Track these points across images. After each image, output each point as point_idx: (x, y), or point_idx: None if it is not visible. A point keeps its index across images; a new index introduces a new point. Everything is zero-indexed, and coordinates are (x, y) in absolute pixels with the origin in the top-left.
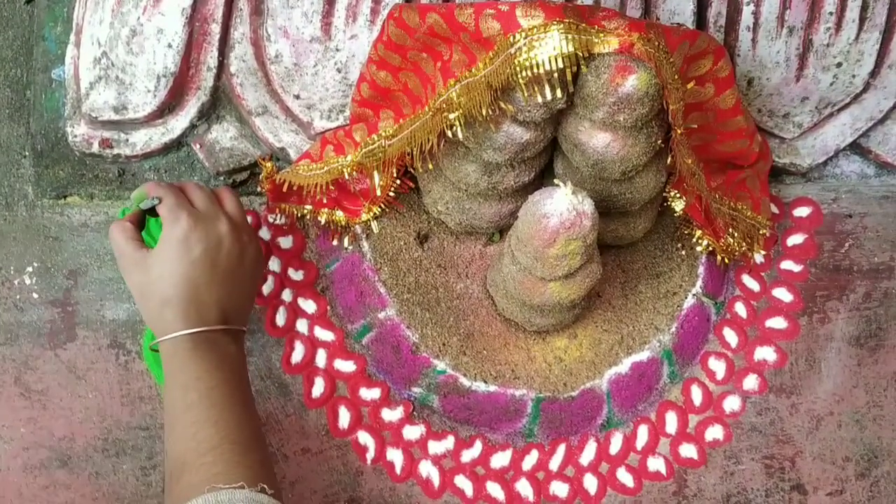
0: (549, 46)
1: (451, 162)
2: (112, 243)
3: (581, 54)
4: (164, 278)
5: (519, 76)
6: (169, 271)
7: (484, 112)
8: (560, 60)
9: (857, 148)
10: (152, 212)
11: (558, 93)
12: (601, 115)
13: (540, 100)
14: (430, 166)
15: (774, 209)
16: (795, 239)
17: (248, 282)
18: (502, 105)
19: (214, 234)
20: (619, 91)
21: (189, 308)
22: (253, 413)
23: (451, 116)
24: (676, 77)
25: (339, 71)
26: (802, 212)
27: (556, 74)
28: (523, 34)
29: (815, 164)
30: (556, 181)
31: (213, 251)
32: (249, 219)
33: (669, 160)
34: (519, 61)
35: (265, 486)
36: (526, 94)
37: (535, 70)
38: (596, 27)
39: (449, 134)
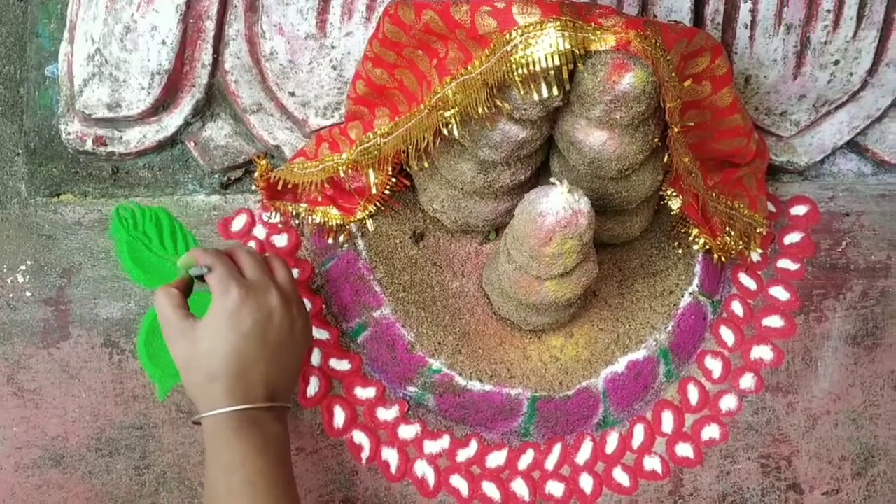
0: (545, 44)
1: (446, 160)
2: (157, 310)
3: (577, 52)
4: (212, 352)
5: (515, 74)
6: (218, 345)
7: (480, 110)
8: (556, 58)
9: (854, 146)
10: (200, 277)
11: (555, 90)
12: (598, 113)
13: (536, 97)
14: (426, 164)
15: (771, 207)
16: (792, 237)
17: (296, 357)
18: (498, 103)
19: (265, 307)
20: (615, 89)
21: (236, 384)
22: (294, 497)
23: (447, 114)
24: (673, 75)
25: (334, 68)
26: (799, 210)
27: (552, 72)
28: (519, 31)
29: (812, 162)
30: (552, 179)
31: (263, 325)
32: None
33: (666, 158)
34: (515, 59)
35: None
36: (522, 92)
37: (532, 68)
38: (592, 24)
39: (445, 132)
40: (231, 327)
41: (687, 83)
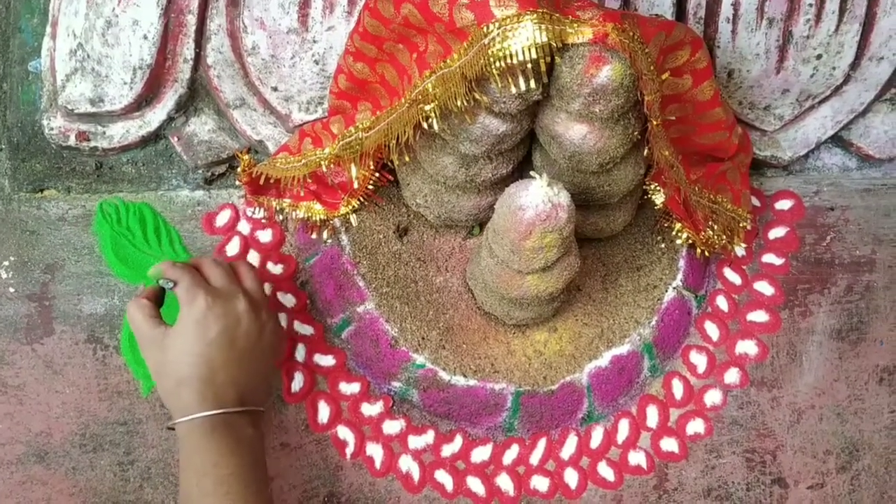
0: (522, 37)
1: (428, 154)
2: (130, 321)
3: (555, 45)
4: (180, 359)
5: (493, 67)
6: (185, 351)
7: (459, 103)
8: (534, 51)
9: (838, 140)
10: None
11: (532, 83)
12: (577, 107)
13: (514, 91)
14: (407, 158)
15: (756, 202)
16: (777, 232)
17: (266, 361)
18: (477, 96)
19: (232, 313)
20: (593, 82)
21: (206, 389)
22: (267, 498)
23: (427, 108)
24: (652, 68)
25: (316, 63)
26: (784, 205)
27: (529, 65)
28: (497, 24)
29: (796, 156)
30: (532, 173)
31: (231, 330)
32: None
33: (647, 152)
34: (493, 52)
35: None
36: (500, 85)
37: (509, 60)
38: (570, 17)
39: (425, 126)
40: (198, 334)
41: (665, 76)
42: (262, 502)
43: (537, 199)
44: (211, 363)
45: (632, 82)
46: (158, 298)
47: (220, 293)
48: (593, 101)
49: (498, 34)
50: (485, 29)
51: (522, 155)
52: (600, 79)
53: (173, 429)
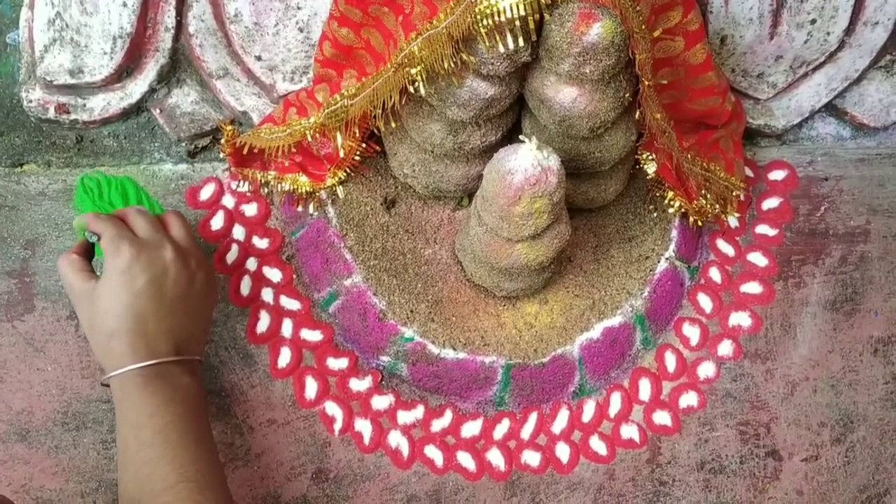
0: None
1: (415, 121)
2: (60, 276)
3: (544, 2)
4: (108, 311)
5: (480, 25)
6: (113, 304)
7: (446, 65)
8: (522, 7)
9: (832, 109)
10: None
11: (520, 42)
12: (567, 68)
13: (502, 50)
14: (394, 125)
15: (749, 173)
16: (771, 203)
17: (200, 309)
18: (465, 57)
19: (159, 262)
20: (583, 40)
21: (137, 341)
22: (210, 448)
23: (413, 71)
24: (644, 26)
25: (300, 30)
26: (778, 175)
27: (518, 23)
28: None
29: (790, 125)
30: (521, 137)
31: (159, 280)
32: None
33: (638, 115)
34: (480, 9)
35: None
36: (488, 45)
37: (497, 18)
38: None
39: (411, 90)
40: (124, 285)
41: (657, 33)
42: (203, 449)
43: (526, 162)
44: (140, 314)
45: (623, 41)
46: (89, 252)
47: (146, 243)
48: (583, 60)
49: None
50: None
51: (511, 122)
52: (590, 37)
53: (108, 385)
